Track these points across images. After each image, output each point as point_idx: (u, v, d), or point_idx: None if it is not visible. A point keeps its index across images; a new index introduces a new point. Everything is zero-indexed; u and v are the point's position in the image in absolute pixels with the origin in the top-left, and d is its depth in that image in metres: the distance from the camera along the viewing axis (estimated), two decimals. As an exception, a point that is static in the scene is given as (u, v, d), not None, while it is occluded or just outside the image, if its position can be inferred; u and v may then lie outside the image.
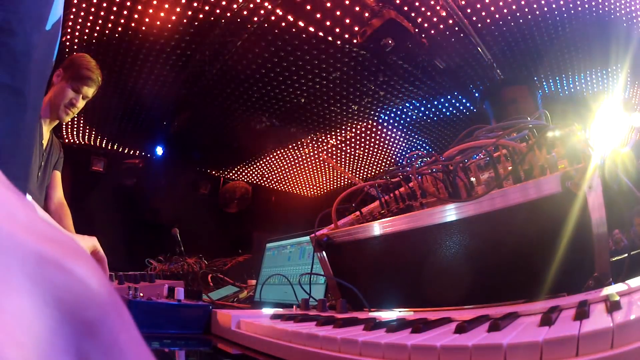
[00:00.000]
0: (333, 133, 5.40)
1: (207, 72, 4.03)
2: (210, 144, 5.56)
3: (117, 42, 3.58)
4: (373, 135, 5.47)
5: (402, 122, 5.17)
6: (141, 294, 0.95)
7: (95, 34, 3.47)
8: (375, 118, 5.05)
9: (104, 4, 3.19)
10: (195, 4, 3.26)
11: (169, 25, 3.44)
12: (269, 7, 3.31)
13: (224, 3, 3.30)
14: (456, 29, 3.63)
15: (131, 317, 0.17)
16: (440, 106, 4.86)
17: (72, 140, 5.21)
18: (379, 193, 1.05)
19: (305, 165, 6.38)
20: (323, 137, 5.50)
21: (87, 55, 1.83)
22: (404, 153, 5.87)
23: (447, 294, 0.76)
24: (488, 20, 3.63)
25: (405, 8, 3.42)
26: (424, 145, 5.71)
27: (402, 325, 0.53)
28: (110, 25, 3.39)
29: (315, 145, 5.70)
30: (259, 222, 6.17)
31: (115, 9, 3.23)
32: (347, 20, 3.48)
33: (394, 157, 5.97)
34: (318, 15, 3.41)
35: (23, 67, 0.48)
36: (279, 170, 6.52)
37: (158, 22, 3.39)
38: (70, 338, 0.15)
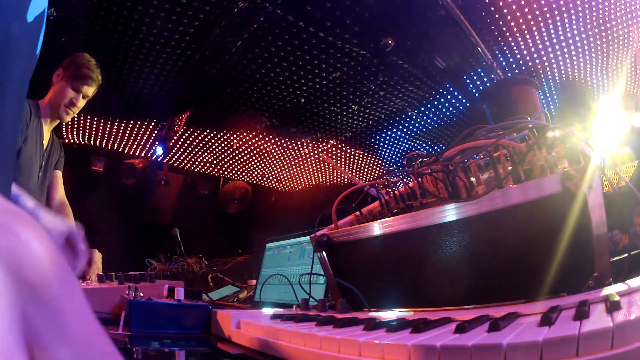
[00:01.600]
0: (333, 133, 5.40)
1: (207, 72, 4.03)
2: (210, 143, 5.56)
3: (118, 42, 3.58)
4: (373, 135, 5.47)
5: (401, 122, 5.17)
6: (141, 294, 0.95)
7: (96, 34, 3.47)
8: (375, 118, 5.05)
9: (104, 4, 3.19)
10: (195, 4, 3.25)
11: (169, 25, 3.44)
12: (269, 7, 3.31)
13: (224, 3, 3.30)
14: (456, 29, 3.63)
15: (80, 287, 0.17)
16: (440, 106, 4.85)
17: (72, 140, 5.21)
18: (379, 193, 1.05)
19: (305, 165, 6.37)
20: (323, 137, 5.50)
21: (87, 55, 1.82)
22: (404, 153, 5.87)
23: (447, 294, 0.76)
24: (488, 20, 3.63)
25: (406, 8, 3.42)
26: (423, 145, 5.71)
27: (402, 325, 0.53)
28: (110, 25, 3.39)
29: (315, 145, 5.70)
30: (259, 222, 6.16)
31: (115, 8, 3.23)
32: (347, 21, 3.48)
33: (394, 157, 5.98)
34: (318, 15, 3.41)
35: (2, 56, 0.48)
36: (279, 170, 6.52)
37: (158, 22, 3.39)
38: (14, 298, 0.15)
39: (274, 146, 5.65)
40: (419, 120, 5.10)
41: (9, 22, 0.48)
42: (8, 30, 0.48)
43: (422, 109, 4.88)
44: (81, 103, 1.78)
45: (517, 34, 3.80)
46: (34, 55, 0.60)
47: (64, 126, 4.77)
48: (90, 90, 1.77)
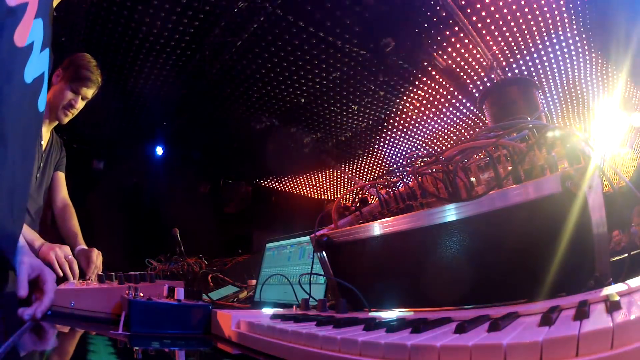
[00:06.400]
0: (333, 133, 5.40)
1: (207, 72, 4.03)
2: (210, 144, 5.56)
3: (117, 42, 3.58)
4: (373, 135, 5.47)
5: (401, 122, 5.17)
6: (141, 294, 0.95)
7: (95, 34, 3.47)
8: (375, 118, 5.05)
9: (104, 4, 3.18)
10: (195, 4, 3.25)
11: (169, 25, 3.44)
12: (269, 7, 3.31)
13: (224, 3, 3.29)
14: (456, 29, 3.63)
15: None
16: (440, 106, 4.85)
17: (72, 140, 5.21)
18: (379, 193, 1.05)
19: (305, 165, 6.37)
20: (323, 137, 5.50)
21: (87, 55, 1.82)
22: (404, 153, 5.87)
23: (447, 294, 0.76)
24: (488, 20, 3.63)
25: (406, 8, 3.42)
26: (423, 145, 5.71)
27: (402, 325, 0.53)
28: (110, 24, 3.39)
29: (316, 145, 5.70)
30: (259, 222, 6.17)
31: (115, 8, 3.22)
32: (347, 21, 3.48)
33: (394, 157, 5.98)
34: (318, 15, 3.41)
35: None
36: (279, 170, 6.52)
37: (158, 22, 3.38)
38: None
39: (274, 146, 5.65)
40: (419, 120, 5.10)
41: (1, 85, 0.58)
42: (1, 91, 0.58)
43: (422, 109, 4.88)
44: (80, 105, 1.77)
45: (517, 34, 3.80)
46: (36, 110, 0.71)
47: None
48: (89, 92, 1.77)
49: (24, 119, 0.65)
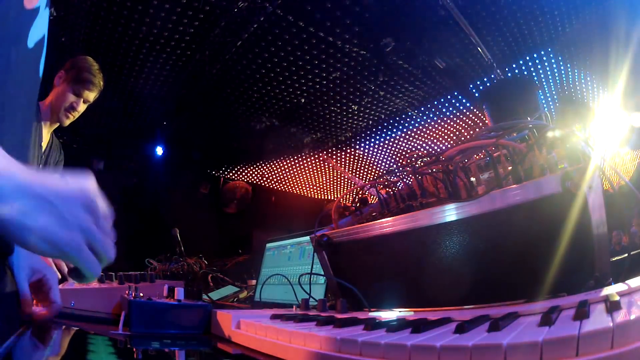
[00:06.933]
0: (333, 133, 5.40)
1: (207, 72, 4.03)
2: (210, 144, 5.56)
3: (117, 42, 3.57)
4: (373, 135, 5.47)
5: (401, 122, 5.17)
6: (141, 294, 0.96)
7: (95, 34, 3.47)
8: (375, 118, 5.05)
9: (104, 4, 3.18)
10: (195, 4, 3.25)
11: (169, 25, 3.43)
12: (269, 7, 3.30)
13: (224, 3, 3.29)
14: (456, 28, 3.62)
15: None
16: (440, 106, 4.85)
17: (72, 140, 5.21)
18: (379, 193, 1.05)
19: (305, 165, 6.37)
20: (323, 137, 5.50)
21: (90, 58, 1.82)
22: (404, 153, 5.86)
23: (447, 294, 0.76)
24: (488, 20, 3.63)
25: (406, 8, 3.42)
26: (423, 145, 5.71)
27: (402, 325, 0.53)
28: (110, 25, 3.39)
29: (315, 146, 5.70)
30: (259, 222, 6.16)
31: (115, 8, 3.22)
32: (347, 21, 3.48)
33: (394, 157, 5.98)
34: (318, 15, 3.41)
35: (3, 81, 0.53)
36: (279, 170, 6.52)
37: (158, 22, 3.38)
38: None
39: (274, 146, 5.65)
40: (419, 120, 5.10)
41: (9, 50, 0.53)
42: (8, 57, 0.53)
43: (422, 109, 4.88)
44: (82, 107, 1.77)
45: (517, 34, 3.80)
46: (37, 78, 0.65)
47: (64, 126, 4.76)
48: (91, 95, 1.77)
49: (24, 89, 0.60)
